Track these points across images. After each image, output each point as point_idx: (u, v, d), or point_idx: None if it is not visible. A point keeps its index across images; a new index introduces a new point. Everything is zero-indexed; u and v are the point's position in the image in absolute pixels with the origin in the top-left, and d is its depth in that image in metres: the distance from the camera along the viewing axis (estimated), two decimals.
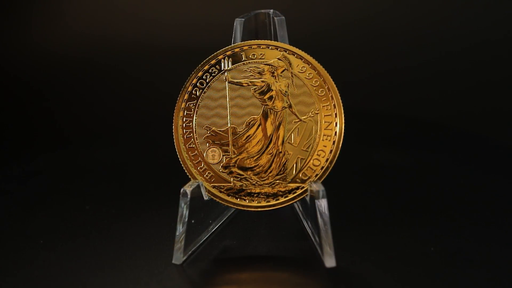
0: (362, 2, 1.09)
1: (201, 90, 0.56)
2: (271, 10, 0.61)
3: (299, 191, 0.54)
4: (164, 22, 1.16)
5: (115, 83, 1.13)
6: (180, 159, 0.55)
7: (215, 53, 0.56)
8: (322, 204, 0.50)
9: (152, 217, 0.63)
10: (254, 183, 0.55)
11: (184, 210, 0.52)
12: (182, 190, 0.52)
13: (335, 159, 0.54)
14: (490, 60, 1.00)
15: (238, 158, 0.55)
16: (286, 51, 0.55)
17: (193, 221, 0.53)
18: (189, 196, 0.51)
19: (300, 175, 0.54)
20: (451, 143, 0.89)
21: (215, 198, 0.55)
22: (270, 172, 0.55)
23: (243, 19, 0.58)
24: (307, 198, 0.54)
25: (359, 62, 1.05)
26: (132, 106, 1.10)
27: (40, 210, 0.67)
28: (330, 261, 0.50)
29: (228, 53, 0.56)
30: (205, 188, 0.54)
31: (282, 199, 0.54)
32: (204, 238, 0.56)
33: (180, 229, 0.52)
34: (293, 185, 0.54)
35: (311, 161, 0.54)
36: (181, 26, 1.14)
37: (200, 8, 1.12)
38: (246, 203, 0.55)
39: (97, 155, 0.92)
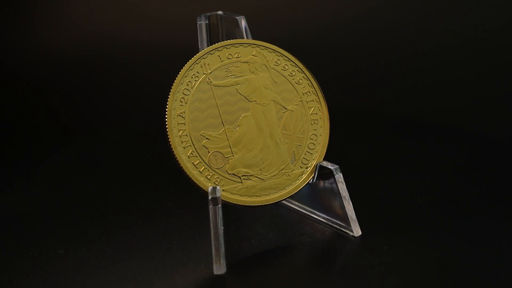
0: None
1: (187, 96, 0.54)
2: (220, 12, 0.62)
3: (304, 176, 0.57)
4: (168, 19, 1.07)
5: (113, 82, 1.03)
6: (185, 170, 0.53)
7: (190, 61, 0.55)
8: (341, 178, 0.54)
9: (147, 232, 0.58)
10: (262, 178, 0.55)
11: (216, 218, 0.50)
12: (211, 198, 0.50)
13: (328, 140, 0.58)
14: (475, 56, 1.01)
15: (241, 157, 0.55)
16: (259, 47, 0.57)
17: (222, 228, 0.51)
18: (219, 204, 0.50)
19: (302, 161, 0.57)
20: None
21: (228, 201, 0.54)
22: (274, 164, 0.56)
23: (206, 22, 0.58)
24: (312, 181, 0.57)
25: (340, 58, 1.05)
26: (131, 108, 0.99)
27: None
28: (357, 230, 0.55)
29: (204, 58, 0.55)
30: None
31: (291, 187, 0.56)
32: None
33: (218, 239, 0.50)
34: (298, 171, 0.56)
35: (307, 145, 0.57)
36: (186, 23, 1.04)
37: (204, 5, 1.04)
38: (260, 199, 0.55)
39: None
